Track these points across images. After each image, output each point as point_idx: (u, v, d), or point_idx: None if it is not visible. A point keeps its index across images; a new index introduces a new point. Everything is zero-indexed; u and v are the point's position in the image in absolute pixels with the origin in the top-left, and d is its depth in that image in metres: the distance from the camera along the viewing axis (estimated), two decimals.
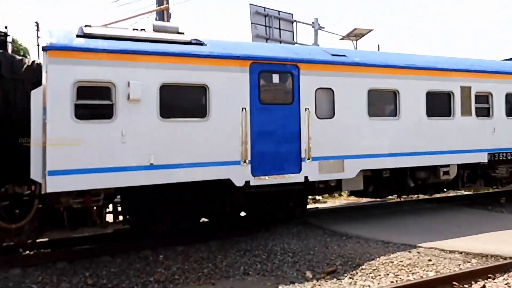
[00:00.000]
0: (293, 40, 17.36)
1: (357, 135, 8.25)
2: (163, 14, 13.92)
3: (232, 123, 7.17)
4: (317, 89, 7.95)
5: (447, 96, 9.44)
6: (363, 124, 8.34)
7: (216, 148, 7.02)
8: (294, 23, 17.59)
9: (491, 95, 9.98)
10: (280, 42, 15.95)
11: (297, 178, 7.74)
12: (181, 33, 7.56)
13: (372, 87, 8.49)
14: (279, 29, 17.31)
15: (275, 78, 7.75)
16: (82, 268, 6.32)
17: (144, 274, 6.18)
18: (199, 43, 7.39)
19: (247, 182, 7.28)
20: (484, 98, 9.97)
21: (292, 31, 17.59)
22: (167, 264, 6.55)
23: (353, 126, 8.24)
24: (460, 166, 9.67)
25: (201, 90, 7.03)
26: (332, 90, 8.09)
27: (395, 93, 8.79)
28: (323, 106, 8.03)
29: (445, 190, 10.77)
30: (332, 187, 8.54)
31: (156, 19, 14.02)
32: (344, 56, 8.52)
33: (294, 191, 8.06)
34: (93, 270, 6.27)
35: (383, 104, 8.83)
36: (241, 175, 7.25)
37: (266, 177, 7.49)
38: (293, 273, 6.28)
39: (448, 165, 9.40)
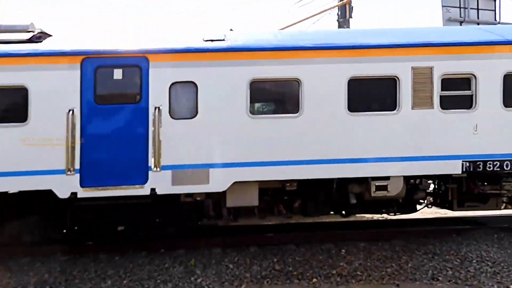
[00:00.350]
0: (495, 20, 15.25)
1: (232, 138, 6.67)
2: (345, 9, 13.92)
3: (56, 127, 6.47)
4: (172, 83, 6.66)
5: (389, 83, 6.90)
6: (241, 124, 6.68)
7: (36, 155, 6.42)
8: (497, 0, 15.38)
9: (475, 77, 6.97)
10: (478, 24, 14.17)
11: (140, 190, 6.57)
12: (29, 31, 7.14)
13: (257, 77, 6.74)
14: (477, 9, 15.44)
15: (118, 74, 6.68)
16: (270, 254, 6.85)
17: (326, 266, 6.35)
18: (38, 41, 6.97)
19: (74, 194, 6.50)
20: (460, 83, 7.01)
21: (494, 10, 15.47)
22: (349, 259, 6.57)
23: (225, 127, 6.68)
24: (442, 179, 7.33)
25: (21, 92, 6.49)
26: (195, 84, 6.68)
27: (297, 83, 6.81)
28: (181, 103, 6.69)
29: (417, 209, 7.87)
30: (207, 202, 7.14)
31: (337, 15, 14.12)
32: (222, 40, 6.94)
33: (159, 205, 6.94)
34: (280, 257, 6.73)
35: (276, 98, 7.05)
36: (65, 186, 6.46)
37: (99, 189, 6.53)
38: (493, 285, 5.57)
39: (387, 177, 6.93)
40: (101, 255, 7.00)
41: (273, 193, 7.37)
